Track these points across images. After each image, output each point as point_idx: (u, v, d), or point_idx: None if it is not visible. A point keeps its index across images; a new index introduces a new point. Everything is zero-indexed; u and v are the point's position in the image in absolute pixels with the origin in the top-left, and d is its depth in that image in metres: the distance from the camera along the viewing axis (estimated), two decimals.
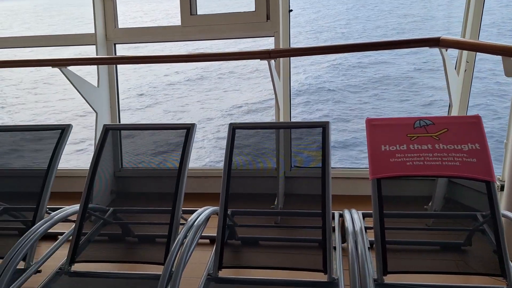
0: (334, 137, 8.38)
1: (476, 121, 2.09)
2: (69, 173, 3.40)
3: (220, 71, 12.59)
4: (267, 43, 3.29)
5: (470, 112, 2.96)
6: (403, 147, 2.08)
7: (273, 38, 3.11)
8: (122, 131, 2.71)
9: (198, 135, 8.72)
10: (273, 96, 2.97)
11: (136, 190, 2.77)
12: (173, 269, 1.74)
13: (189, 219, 2.09)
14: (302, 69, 12.79)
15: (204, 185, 3.33)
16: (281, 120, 3.22)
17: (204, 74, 12.50)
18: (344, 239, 2.57)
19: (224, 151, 2.24)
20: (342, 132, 8.35)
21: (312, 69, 12.80)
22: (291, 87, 3.27)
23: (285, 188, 2.72)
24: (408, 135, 2.12)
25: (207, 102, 10.72)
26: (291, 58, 3.12)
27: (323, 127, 2.25)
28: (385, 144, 2.11)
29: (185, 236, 1.92)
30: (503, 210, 2.45)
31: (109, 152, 2.77)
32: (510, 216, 2.00)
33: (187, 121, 9.54)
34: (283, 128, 2.36)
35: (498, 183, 2.59)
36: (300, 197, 3.49)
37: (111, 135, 2.69)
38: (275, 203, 2.57)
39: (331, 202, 2.08)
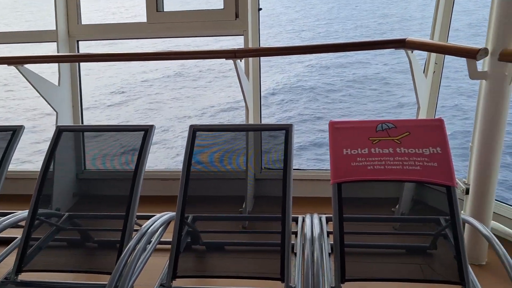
0: (308, 136, 8.38)
1: (438, 124, 2.05)
2: (26, 175, 3.28)
3: (198, 68, 12.45)
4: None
5: (440, 114, 2.94)
6: (364, 151, 2.03)
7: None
8: (85, 132, 2.63)
9: (169, 135, 8.60)
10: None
11: (100, 193, 2.67)
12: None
13: (143, 225, 2.01)
14: (280, 68, 12.76)
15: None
16: (251, 121, 3.15)
17: (182, 71, 12.34)
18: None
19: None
20: (317, 132, 8.39)
21: (290, 68, 12.78)
22: (261, 88, 3.20)
23: (255, 191, 2.66)
24: (370, 138, 2.07)
25: (182, 100, 10.58)
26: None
27: (286, 129, 2.19)
28: (347, 148, 2.06)
29: (138, 244, 1.84)
30: (466, 215, 2.44)
31: (69, 154, 2.67)
32: (470, 221, 1.97)
33: (160, 119, 9.40)
34: (245, 131, 2.29)
35: (463, 186, 2.57)
36: (271, 199, 3.43)
37: (72, 136, 2.60)
38: (243, 206, 2.50)
39: (291, 206, 2.03)
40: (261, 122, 3.23)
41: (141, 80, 11.80)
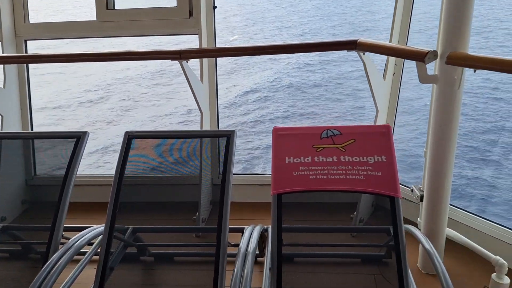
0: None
1: (385, 131, 1.96)
2: None
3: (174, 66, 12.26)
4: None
5: (404, 117, 2.87)
6: (307, 160, 1.93)
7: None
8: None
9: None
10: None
11: (51, 200, 2.54)
12: None
13: (71, 239, 1.88)
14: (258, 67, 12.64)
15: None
16: (206, 126, 3.03)
17: (162, 69, 12.13)
18: (262, 253, 2.43)
19: None
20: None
21: (266, 67, 12.67)
22: (218, 90, 3.08)
23: (213, 196, 2.55)
24: (314, 146, 1.97)
25: (156, 100, 10.40)
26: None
27: (228, 136, 2.08)
28: (289, 156, 1.95)
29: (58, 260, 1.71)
30: (422, 224, 2.36)
31: (17, 160, 2.55)
32: (415, 233, 1.88)
33: (130, 120, 9.17)
34: (184, 138, 2.17)
35: (418, 193, 2.48)
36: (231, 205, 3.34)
37: (20, 143, 2.49)
38: (197, 214, 2.40)
39: (228, 216, 1.92)
40: (218, 127, 3.11)
41: (117, 79, 11.58)
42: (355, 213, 2.35)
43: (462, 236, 2.37)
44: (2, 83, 2.98)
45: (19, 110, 3.09)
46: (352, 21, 17.95)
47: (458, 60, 1.88)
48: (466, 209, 2.52)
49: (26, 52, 3.10)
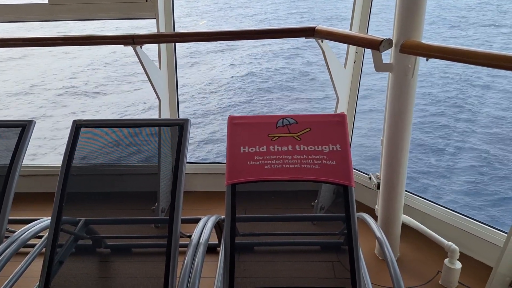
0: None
1: (340, 120, 1.95)
2: None
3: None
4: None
5: (364, 105, 2.86)
6: (262, 149, 1.90)
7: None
8: None
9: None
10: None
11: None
12: None
13: (16, 232, 1.80)
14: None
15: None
16: (165, 114, 2.96)
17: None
18: (219, 244, 2.40)
19: None
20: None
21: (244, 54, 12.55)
22: (177, 77, 3.00)
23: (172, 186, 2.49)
24: (269, 135, 1.94)
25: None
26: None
27: (181, 125, 2.02)
28: (244, 145, 1.92)
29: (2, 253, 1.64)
30: (379, 211, 2.38)
31: None
32: (366, 220, 1.89)
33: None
34: (135, 127, 2.10)
35: (375, 181, 2.50)
36: (196, 194, 3.28)
37: None
38: (156, 204, 2.34)
39: (181, 206, 1.87)
40: (178, 115, 3.04)
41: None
42: (315, 201, 2.35)
43: (417, 222, 2.42)
44: None
45: None
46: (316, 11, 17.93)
47: (411, 48, 1.87)
48: (421, 196, 2.57)
49: None
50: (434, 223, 2.48)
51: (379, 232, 1.74)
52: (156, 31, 2.77)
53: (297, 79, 10.71)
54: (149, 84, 2.65)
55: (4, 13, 2.93)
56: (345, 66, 2.79)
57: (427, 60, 1.86)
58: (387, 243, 1.66)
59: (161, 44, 2.77)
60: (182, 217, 1.88)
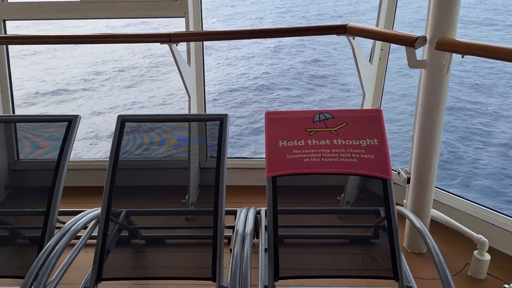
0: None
1: (376, 115, 2.00)
2: None
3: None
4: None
5: (389, 101, 2.92)
6: (301, 143, 1.96)
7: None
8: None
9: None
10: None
11: (33, 185, 2.49)
12: None
13: (67, 223, 1.87)
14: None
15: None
16: (193, 110, 3.02)
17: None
18: (257, 235, 2.46)
19: None
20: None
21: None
22: (205, 74, 3.06)
23: (201, 180, 2.56)
24: (307, 129, 2.00)
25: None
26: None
27: (221, 120, 2.08)
28: (283, 140, 1.98)
29: (58, 244, 1.70)
30: (408, 205, 2.43)
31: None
32: (406, 214, 1.94)
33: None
34: (176, 121, 2.16)
35: (405, 176, 2.56)
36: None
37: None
38: (186, 197, 2.40)
39: (224, 199, 1.94)
40: (205, 110, 3.10)
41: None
42: (342, 195, 2.40)
43: (446, 216, 2.47)
44: None
45: None
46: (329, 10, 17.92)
47: (447, 46, 1.93)
48: (449, 191, 2.62)
49: (5, 32, 2.99)
50: (461, 217, 2.53)
51: (419, 224, 1.80)
52: (185, 30, 2.84)
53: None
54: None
55: (34, 10, 3.00)
56: (371, 63, 2.85)
57: (462, 57, 1.91)
58: (428, 233, 1.71)
59: (191, 43, 2.83)
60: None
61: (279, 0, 19.23)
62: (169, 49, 2.41)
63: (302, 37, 10.71)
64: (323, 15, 16.83)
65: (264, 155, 1.98)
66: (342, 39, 2.39)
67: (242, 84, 10.27)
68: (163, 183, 2.49)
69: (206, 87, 3.02)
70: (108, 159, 1.98)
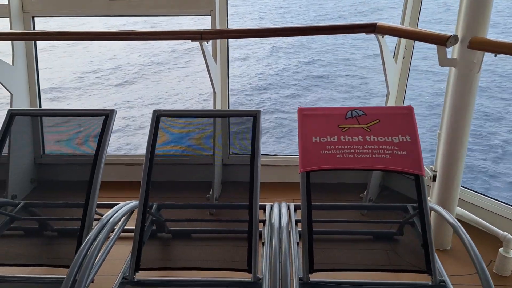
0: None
1: (408, 112, 2.03)
2: None
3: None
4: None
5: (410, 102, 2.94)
6: (334, 139, 1.99)
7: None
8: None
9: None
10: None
11: (61, 179, 2.54)
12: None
13: (105, 215, 1.91)
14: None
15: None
16: (218, 106, 3.06)
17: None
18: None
19: None
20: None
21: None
22: (229, 71, 3.10)
23: (223, 176, 2.59)
24: (339, 126, 2.03)
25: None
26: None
27: (254, 116, 2.12)
28: (316, 135, 2.01)
29: (98, 235, 1.74)
30: (433, 203, 2.46)
31: (26, 138, 2.52)
32: (437, 210, 1.97)
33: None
34: (212, 117, 2.20)
35: (430, 173, 2.58)
36: (239, 185, 3.37)
37: (28, 120, 2.45)
38: (210, 192, 2.44)
39: (259, 194, 1.97)
40: (228, 107, 3.14)
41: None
42: (365, 192, 2.44)
43: (471, 214, 2.49)
44: (11, 60, 2.94)
45: (27, 89, 3.05)
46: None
47: (480, 44, 1.95)
48: (473, 189, 2.65)
49: (34, 28, 3.05)
50: (486, 215, 2.55)
51: (451, 218, 1.82)
52: (211, 27, 2.88)
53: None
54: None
55: (63, 7, 3.05)
56: (395, 62, 2.87)
57: (495, 56, 1.94)
58: (462, 228, 1.74)
59: (217, 40, 2.87)
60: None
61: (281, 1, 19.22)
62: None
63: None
64: (322, 16, 16.83)
65: (295, 153, 2.00)
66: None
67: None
68: (188, 179, 2.53)
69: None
70: (144, 154, 2.02)
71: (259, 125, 2.09)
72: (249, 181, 1.98)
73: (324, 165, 1.93)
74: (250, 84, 10.21)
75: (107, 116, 2.06)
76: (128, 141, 7.38)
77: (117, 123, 7.99)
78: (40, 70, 3.16)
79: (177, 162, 2.49)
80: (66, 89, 9.92)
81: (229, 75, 3.08)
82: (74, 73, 10.66)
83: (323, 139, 2.00)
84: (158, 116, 2.07)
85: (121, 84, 10.23)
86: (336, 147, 1.97)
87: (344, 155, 1.95)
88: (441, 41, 2.01)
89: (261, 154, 3.28)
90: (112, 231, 1.96)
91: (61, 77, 10.40)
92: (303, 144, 2.00)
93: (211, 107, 3.06)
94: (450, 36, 2.00)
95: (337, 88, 9.98)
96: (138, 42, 10.14)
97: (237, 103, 9.00)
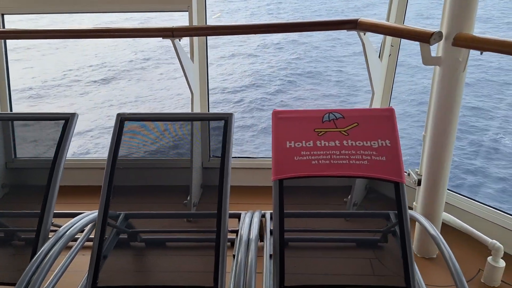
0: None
1: (388, 114, 1.90)
2: None
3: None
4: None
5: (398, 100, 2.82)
6: (309, 144, 1.86)
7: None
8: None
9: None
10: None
11: (33, 183, 2.42)
12: None
13: (62, 227, 1.78)
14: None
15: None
16: (196, 108, 2.92)
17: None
18: (261, 238, 2.37)
19: None
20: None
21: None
22: (208, 71, 2.96)
23: (203, 180, 2.47)
24: (315, 129, 1.90)
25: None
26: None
27: (226, 119, 1.99)
28: (290, 140, 1.88)
29: (52, 249, 1.62)
30: (418, 209, 2.34)
31: None
32: (420, 220, 1.85)
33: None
34: (178, 121, 2.07)
35: (415, 177, 2.46)
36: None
37: None
38: (188, 198, 2.32)
39: (228, 201, 1.85)
40: (208, 109, 3.01)
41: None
42: (349, 196, 2.31)
43: (458, 220, 2.37)
44: None
45: None
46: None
47: (465, 41, 1.82)
48: (461, 193, 2.52)
49: (3, 27, 2.91)
50: (474, 221, 2.43)
51: (432, 229, 1.70)
52: (188, 24, 2.74)
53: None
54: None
55: (33, 4, 2.91)
56: (381, 60, 2.74)
57: (481, 53, 1.81)
58: (442, 239, 1.62)
59: (194, 38, 2.73)
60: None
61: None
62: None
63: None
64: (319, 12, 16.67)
65: (270, 155, 1.89)
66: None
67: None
68: (163, 183, 2.41)
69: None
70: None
71: (231, 128, 1.97)
72: (218, 187, 1.86)
73: (298, 173, 1.81)
74: (240, 81, 10.13)
75: (67, 120, 1.93)
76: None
77: (106, 122, 7.86)
78: (26, 69, 3.03)
79: (151, 166, 2.37)
80: (52, 87, 9.77)
81: (209, 75, 2.95)
82: (61, 71, 10.52)
83: (298, 144, 1.87)
84: (122, 119, 1.94)
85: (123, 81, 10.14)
86: (312, 152, 1.85)
87: (320, 161, 1.82)
88: (424, 38, 1.88)
89: (248, 157, 3.14)
90: (76, 241, 1.84)
91: (46, 75, 10.26)
92: (276, 150, 1.87)
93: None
94: (434, 32, 1.87)
95: (327, 83, 9.88)
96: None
97: (227, 100, 8.90)
